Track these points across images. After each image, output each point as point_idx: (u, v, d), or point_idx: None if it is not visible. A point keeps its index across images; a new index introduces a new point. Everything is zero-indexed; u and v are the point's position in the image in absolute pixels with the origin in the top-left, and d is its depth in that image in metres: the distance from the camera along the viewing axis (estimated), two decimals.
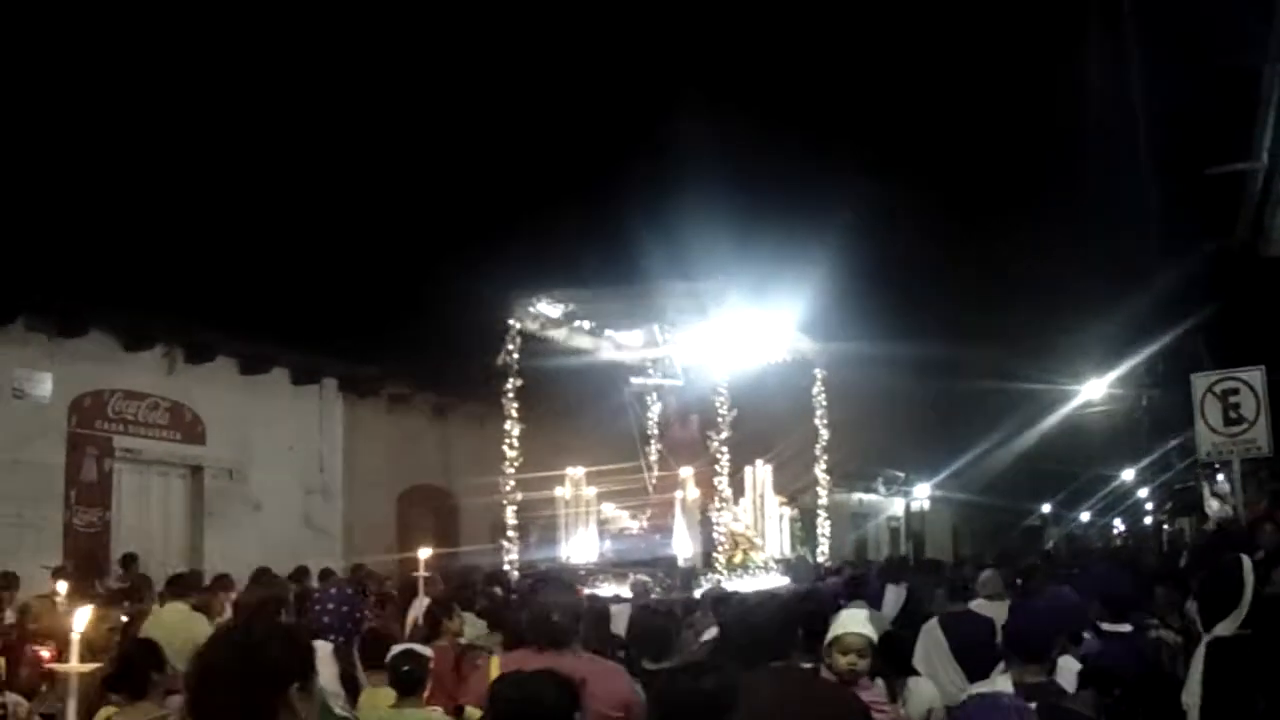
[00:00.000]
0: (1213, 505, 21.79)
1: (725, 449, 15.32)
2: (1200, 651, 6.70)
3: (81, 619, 4.08)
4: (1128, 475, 46.03)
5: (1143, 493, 48.13)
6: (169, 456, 18.21)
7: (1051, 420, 36.91)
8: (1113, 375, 33.09)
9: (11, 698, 7.70)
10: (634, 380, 18.61)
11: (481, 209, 22.51)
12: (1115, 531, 53.13)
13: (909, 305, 26.33)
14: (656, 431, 18.70)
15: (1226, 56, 11.61)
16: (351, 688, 6.07)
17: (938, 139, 25.10)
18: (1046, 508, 50.26)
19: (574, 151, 23.11)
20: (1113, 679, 6.12)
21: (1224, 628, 6.88)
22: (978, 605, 9.56)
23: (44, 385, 16.06)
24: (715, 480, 15.34)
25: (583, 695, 4.19)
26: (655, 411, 18.96)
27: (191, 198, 17.90)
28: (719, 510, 15.47)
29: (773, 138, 23.17)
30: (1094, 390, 35.37)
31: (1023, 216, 26.72)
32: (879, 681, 6.47)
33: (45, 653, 9.64)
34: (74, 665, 3.96)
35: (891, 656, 6.71)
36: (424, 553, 11.57)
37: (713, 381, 16.09)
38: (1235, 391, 10.99)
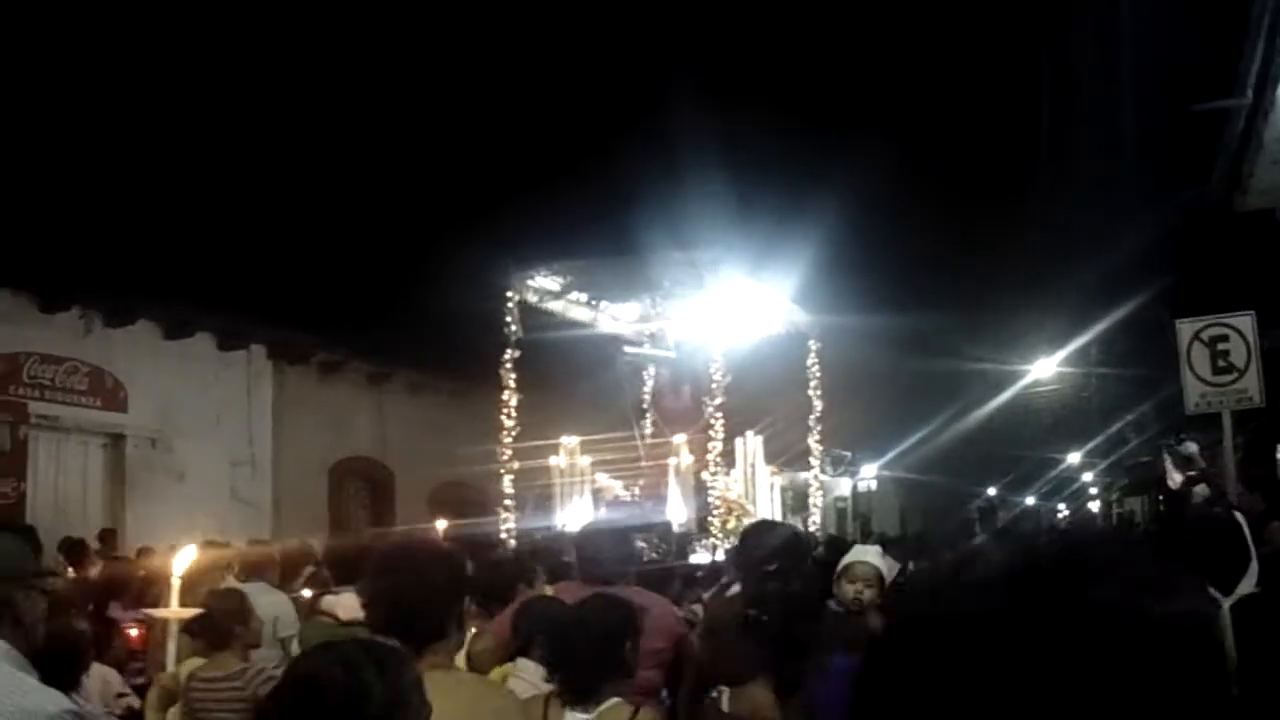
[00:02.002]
0: (1175, 478, 21.57)
1: (720, 415, 15.57)
2: (1225, 617, 6.45)
3: (183, 562, 4.26)
4: (1074, 458, 46.21)
5: (1088, 475, 48.42)
6: (88, 424, 17.60)
7: (1000, 400, 36.73)
8: (1063, 354, 33.01)
9: (101, 670, 7.17)
10: (628, 350, 18.76)
11: (458, 179, 21.99)
12: (1059, 515, 53.20)
13: (877, 280, 26.00)
14: (649, 402, 18.90)
15: None
16: None
17: (917, 103, 24.79)
18: (993, 490, 50.33)
19: (556, 122, 22.87)
20: None
21: (1244, 586, 6.67)
22: None
23: None
24: (710, 446, 15.64)
25: (639, 620, 4.46)
26: (648, 382, 19.11)
27: (116, 148, 17.15)
28: (714, 476, 15.68)
29: (768, 112, 22.91)
30: (1043, 369, 35.29)
31: (997, 184, 26.51)
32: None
33: (134, 631, 9.64)
34: (173, 610, 4.23)
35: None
36: (440, 524, 11.40)
37: (705, 353, 16.47)
38: (1224, 338, 10.62)
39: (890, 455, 36.45)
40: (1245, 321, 10.70)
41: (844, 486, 37.37)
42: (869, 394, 29.11)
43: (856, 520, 35.53)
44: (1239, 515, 7.89)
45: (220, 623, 6.18)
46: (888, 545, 15.33)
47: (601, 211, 20.37)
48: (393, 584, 3.48)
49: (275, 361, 20.68)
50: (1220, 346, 10.63)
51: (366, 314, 20.33)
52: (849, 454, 35.16)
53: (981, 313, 31.10)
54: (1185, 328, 10.81)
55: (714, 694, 4.80)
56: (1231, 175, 13.68)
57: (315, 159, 19.85)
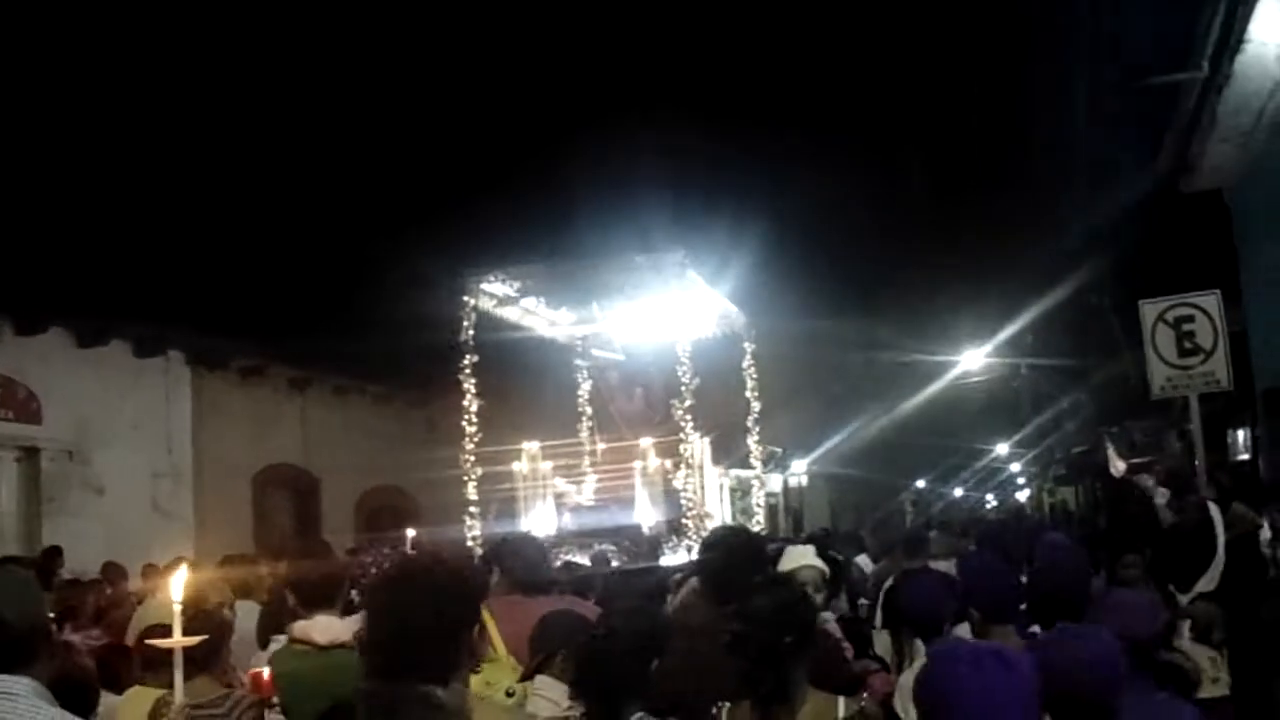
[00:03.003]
0: (1118, 466, 21.52)
1: (689, 417, 15.39)
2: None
3: (178, 587, 3.92)
4: (1002, 449, 46.51)
5: (1016, 466, 48.77)
6: (1, 438, 16.89)
7: (929, 392, 36.87)
8: (993, 344, 33.11)
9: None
10: (596, 353, 18.57)
11: (393, 182, 21.67)
12: (988, 506, 53.45)
13: (806, 277, 25.84)
14: (601, 405, 18.58)
15: None
16: None
17: (846, 87, 24.62)
18: (922, 482, 50.59)
19: (501, 126, 22.61)
20: None
21: (1203, 584, 6.52)
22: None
23: None
24: (682, 448, 15.41)
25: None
26: (599, 385, 18.79)
27: (19, 142, 16.50)
28: (687, 478, 15.43)
29: (711, 119, 23.00)
30: (972, 360, 35.39)
31: (931, 172, 26.43)
32: (885, 635, 6.72)
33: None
34: (177, 639, 3.85)
35: (889, 611, 7.01)
36: (410, 532, 11.07)
37: (653, 355, 16.80)
38: (1189, 319, 10.37)
39: (820, 450, 36.28)
40: (1211, 301, 10.47)
41: (775, 483, 37.20)
42: (799, 391, 29.05)
43: (789, 516, 35.34)
44: (1213, 509, 7.69)
45: (197, 645, 5.80)
46: (826, 541, 15.38)
47: (547, 215, 20.37)
48: (398, 608, 3.12)
49: (194, 367, 20.03)
50: (1186, 328, 10.38)
51: (288, 317, 19.80)
52: (780, 450, 35.02)
53: (911, 305, 31.15)
54: (1149, 309, 10.56)
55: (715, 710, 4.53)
56: (1179, 154, 13.52)
57: (238, 159, 19.35)
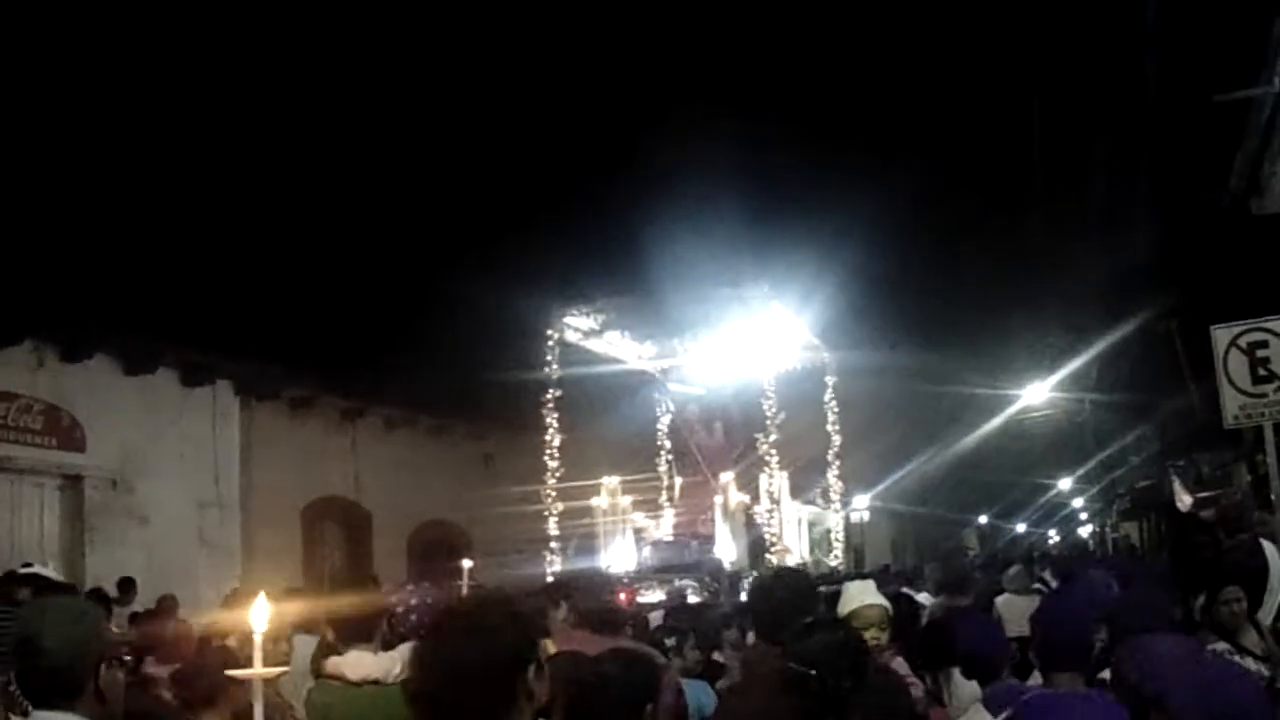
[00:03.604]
0: (1184, 500, 21.03)
1: (774, 452, 16.02)
2: None
3: (261, 617, 3.75)
4: (1065, 484, 45.83)
5: (1079, 501, 48.03)
6: (43, 465, 16.69)
7: (992, 427, 36.33)
8: (1057, 377, 32.56)
9: None
10: (675, 388, 19.28)
11: (453, 213, 21.48)
12: (1050, 541, 52.69)
13: (877, 312, 25.59)
14: (681, 440, 19.15)
15: None
16: None
17: (913, 123, 24.41)
18: (984, 518, 49.97)
19: (565, 159, 22.27)
20: None
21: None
22: (1004, 601, 9.77)
23: None
24: (766, 482, 16.15)
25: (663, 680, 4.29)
26: (679, 420, 19.39)
27: (70, 170, 16.35)
28: (769, 513, 16.15)
29: (789, 153, 23.19)
30: (1036, 394, 34.82)
31: (995, 201, 26.01)
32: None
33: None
34: (258, 670, 3.72)
35: (931, 649, 6.56)
36: (466, 564, 10.93)
37: (732, 390, 17.51)
38: (1264, 344, 9.82)
39: (882, 486, 35.79)
40: None
41: (832, 519, 36.78)
42: (870, 426, 28.73)
43: (849, 553, 34.88)
44: (1269, 547, 7.23)
45: (196, 681, 5.70)
46: (894, 576, 15.03)
47: (618, 248, 20.23)
48: (444, 653, 2.90)
49: (243, 397, 19.83)
50: (1260, 354, 9.84)
51: (340, 348, 19.60)
52: (842, 485, 34.60)
53: (975, 338, 30.73)
54: (1221, 334, 10.02)
55: None
56: (1249, 175, 13.04)
57: (302, 188, 19.20)
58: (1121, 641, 4.88)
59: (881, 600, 6.13)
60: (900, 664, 6.18)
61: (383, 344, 19.86)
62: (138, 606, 14.05)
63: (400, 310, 20.47)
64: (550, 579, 14.65)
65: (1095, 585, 7.42)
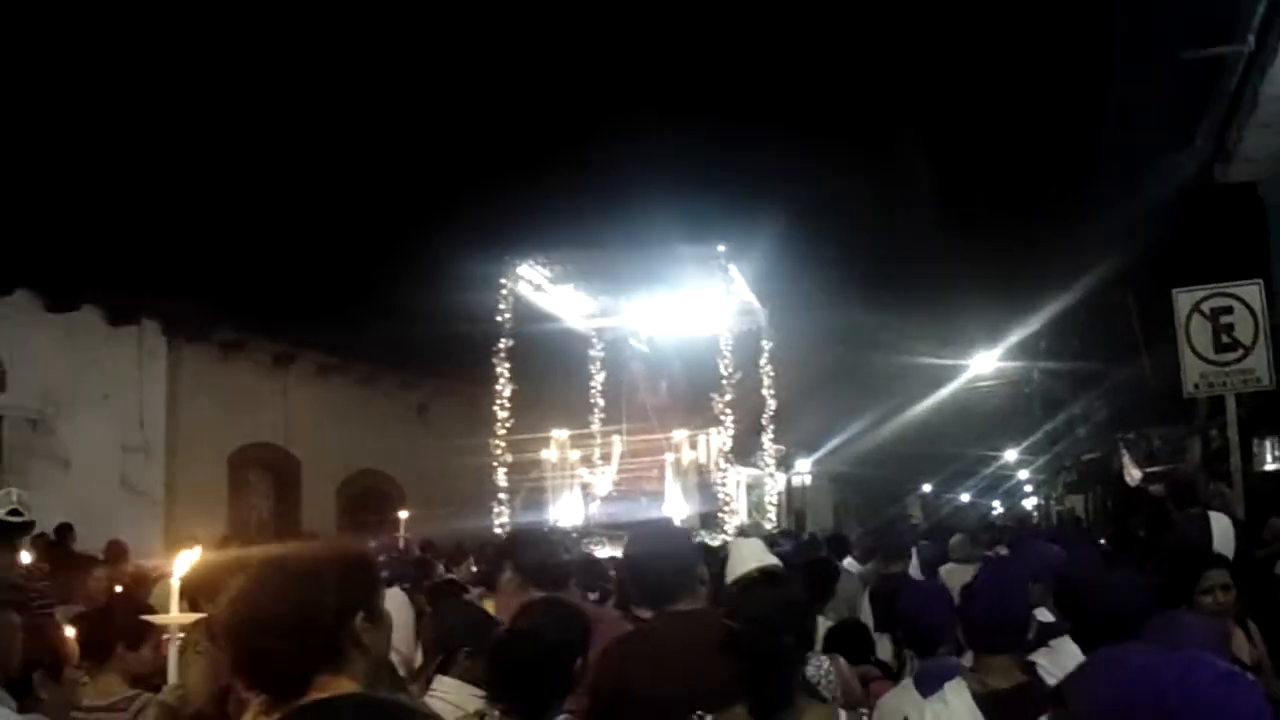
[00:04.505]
0: (1133, 474, 20.80)
1: (729, 411, 15.70)
2: None
3: (183, 565, 3.76)
4: (1011, 455, 45.92)
5: (1024, 473, 48.16)
6: None
7: (939, 396, 36.26)
8: (1005, 346, 32.46)
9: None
10: (633, 344, 18.86)
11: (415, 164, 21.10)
12: (994, 513, 52.84)
13: (820, 275, 25.29)
14: (626, 396, 18.90)
15: None
16: None
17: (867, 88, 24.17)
18: (928, 486, 50.10)
19: (531, 115, 22.32)
20: None
21: None
22: (949, 570, 9.43)
23: None
24: (719, 441, 15.87)
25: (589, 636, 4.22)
26: (624, 376, 19.15)
27: None
28: (723, 471, 15.81)
29: (740, 116, 23.37)
30: (984, 364, 34.72)
31: (947, 169, 25.78)
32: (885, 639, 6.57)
33: None
34: (174, 616, 3.73)
35: (886, 615, 6.76)
36: (403, 514, 10.58)
37: (675, 348, 17.60)
38: (1228, 310, 9.48)
39: (825, 450, 35.74)
40: (1252, 291, 9.58)
41: (779, 482, 36.66)
42: (810, 390, 28.54)
43: (790, 516, 34.83)
44: (1217, 520, 6.81)
45: (100, 633, 5.36)
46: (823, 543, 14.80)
47: (578, 204, 20.21)
48: (259, 600, 2.77)
49: (170, 338, 19.21)
50: (1224, 320, 9.49)
51: (273, 292, 19.06)
52: (783, 448, 34.43)
53: (923, 306, 30.52)
54: (1184, 299, 9.66)
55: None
56: (1216, 139, 12.68)
57: (225, 128, 18.64)
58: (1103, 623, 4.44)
59: (772, 560, 6.11)
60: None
61: (318, 289, 19.30)
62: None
63: (338, 256, 19.94)
64: (500, 534, 14.57)
65: (1045, 556, 7.02)
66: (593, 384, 19.08)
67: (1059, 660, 4.44)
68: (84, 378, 17.79)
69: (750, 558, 6.10)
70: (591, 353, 19.02)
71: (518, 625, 4.24)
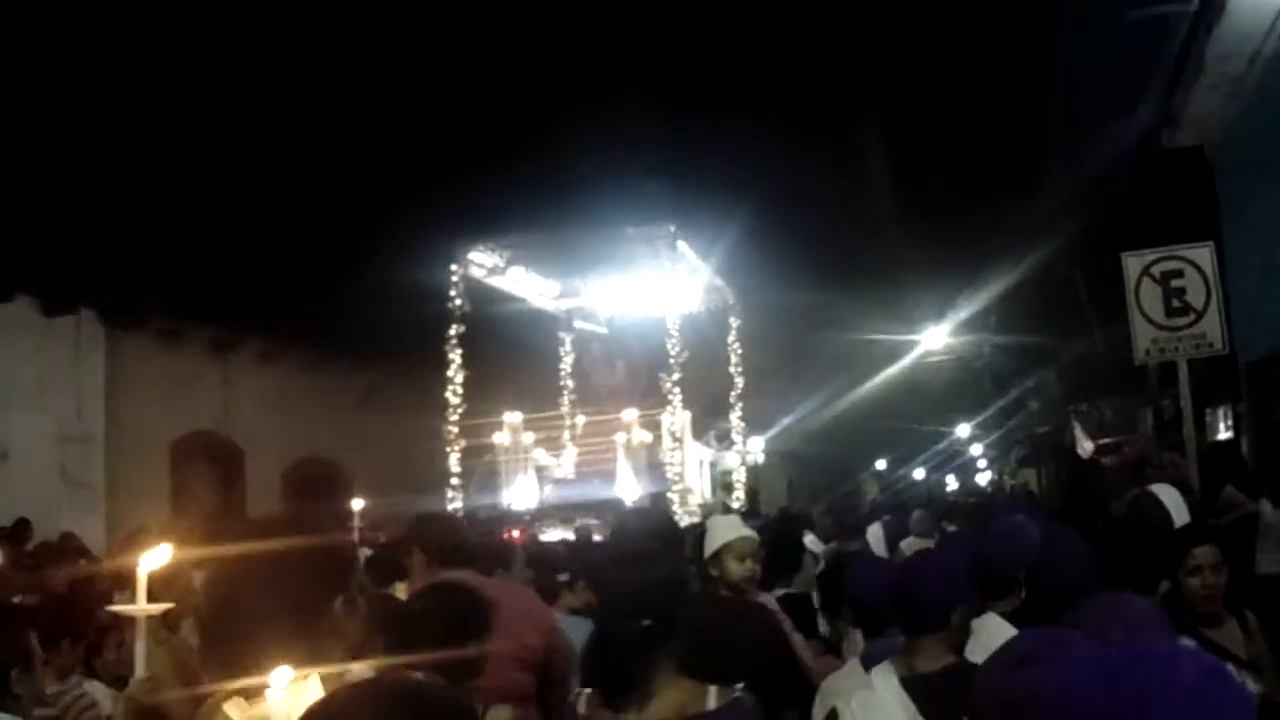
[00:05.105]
0: (1085, 446, 20.78)
1: (678, 390, 16.03)
2: None
3: (151, 561, 3.54)
4: (964, 430, 45.97)
5: (977, 449, 48.24)
6: None
7: (890, 372, 36.26)
8: (955, 321, 32.44)
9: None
10: (579, 325, 19.51)
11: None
12: (948, 489, 52.87)
13: (773, 253, 25.25)
14: (584, 377, 19.64)
15: None
16: None
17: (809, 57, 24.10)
18: (882, 463, 50.08)
19: (484, 101, 21.65)
20: None
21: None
22: (909, 544, 9.54)
23: None
24: (667, 422, 16.13)
25: (488, 614, 4.23)
26: (581, 358, 19.88)
27: None
28: (672, 451, 16.11)
29: (696, 98, 22.98)
30: (934, 339, 34.70)
31: (892, 140, 25.69)
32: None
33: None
34: (141, 607, 3.54)
35: (826, 594, 6.88)
36: (358, 504, 11.13)
37: (634, 329, 17.95)
38: (1179, 274, 9.29)
39: (778, 428, 35.64)
40: (1203, 254, 9.40)
41: (730, 460, 36.61)
42: (769, 368, 28.60)
43: (745, 494, 34.85)
44: (1165, 491, 6.57)
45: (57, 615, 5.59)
46: (791, 519, 14.76)
47: (534, 186, 19.99)
48: (242, 584, 2.74)
49: (108, 327, 18.92)
50: (1175, 284, 9.32)
51: (211, 278, 18.72)
52: (744, 426, 34.50)
53: (872, 282, 30.46)
54: (1133, 262, 9.48)
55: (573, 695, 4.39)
56: (1162, 104, 12.56)
57: (161, 110, 18.22)
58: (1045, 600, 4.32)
59: (749, 531, 6.08)
60: (766, 598, 6.34)
61: (258, 274, 18.99)
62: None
63: (279, 240, 19.59)
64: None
65: (1018, 530, 6.90)
66: (562, 366, 19.42)
67: (982, 640, 4.29)
68: (19, 368, 17.69)
69: (727, 530, 6.07)
70: (561, 334, 19.41)
71: (411, 609, 4.26)
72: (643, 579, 3.85)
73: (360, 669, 2.88)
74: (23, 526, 14.75)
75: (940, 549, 6.48)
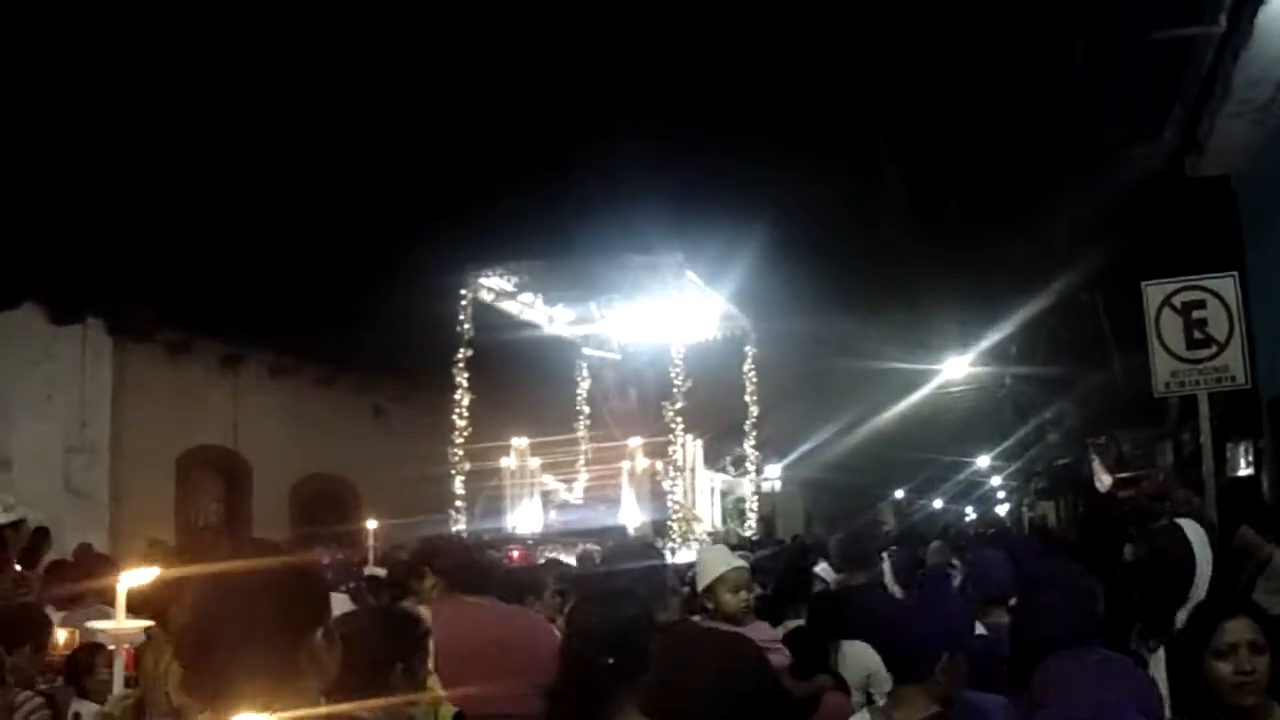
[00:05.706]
0: (1104, 480, 20.50)
1: (680, 419, 15.79)
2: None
3: (131, 578, 3.60)
4: (983, 461, 45.73)
5: (997, 479, 47.98)
6: None
7: (910, 401, 36.02)
8: (977, 351, 32.23)
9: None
10: (592, 352, 19.35)
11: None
12: (967, 519, 52.61)
13: (794, 281, 25.10)
14: (596, 404, 19.31)
15: None
16: None
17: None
18: (900, 493, 49.88)
19: (499, 126, 21.92)
20: None
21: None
22: None
23: None
24: (670, 450, 15.92)
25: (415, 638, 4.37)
26: (594, 384, 19.60)
27: None
28: (673, 480, 15.90)
29: (708, 124, 22.91)
30: (955, 369, 34.47)
31: (914, 172, 25.52)
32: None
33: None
34: (119, 625, 3.61)
35: (824, 618, 6.70)
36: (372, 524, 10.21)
37: (650, 356, 17.59)
38: (1200, 304, 9.02)
39: (795, 455, 35.47)
40: (1227, 285, 9.13)
41: (747, 487, 36.35)
42: (785, 396, 28.36)
43: (760, 522, 34.55)
44: (1189, 527, 6.24)
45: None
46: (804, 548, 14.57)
47: (544, 213, 20.12)
48: (212, 609, 2.62)
49: (116, 338, 18.80)
50: (1196, 315, 9.05)
51: (222, 291, 18.70)
52: (758, 454, 34.26)
53: (894, 310, 30.31)
54: (1154, 292, 9.22)
55: None
56: (1186, 131, 12.27)
57: (176, 124, 18.22)
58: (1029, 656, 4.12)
59: (739, 561, 6.17)
60: (761, 628, 6.16)
61: (268, 290, 18.92)
62: None
63: (290, 257, 19.55)
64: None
65: (991, 564, 6.76)
66: (579, 392, 19.32)
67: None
68: (25, 377, 17.53)
69: (719, 563, 6.11)
70: (577, 361, 19.31)
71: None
72: (612, 615, 3.84)
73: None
74: (39, 537, 14.52)
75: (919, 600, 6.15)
